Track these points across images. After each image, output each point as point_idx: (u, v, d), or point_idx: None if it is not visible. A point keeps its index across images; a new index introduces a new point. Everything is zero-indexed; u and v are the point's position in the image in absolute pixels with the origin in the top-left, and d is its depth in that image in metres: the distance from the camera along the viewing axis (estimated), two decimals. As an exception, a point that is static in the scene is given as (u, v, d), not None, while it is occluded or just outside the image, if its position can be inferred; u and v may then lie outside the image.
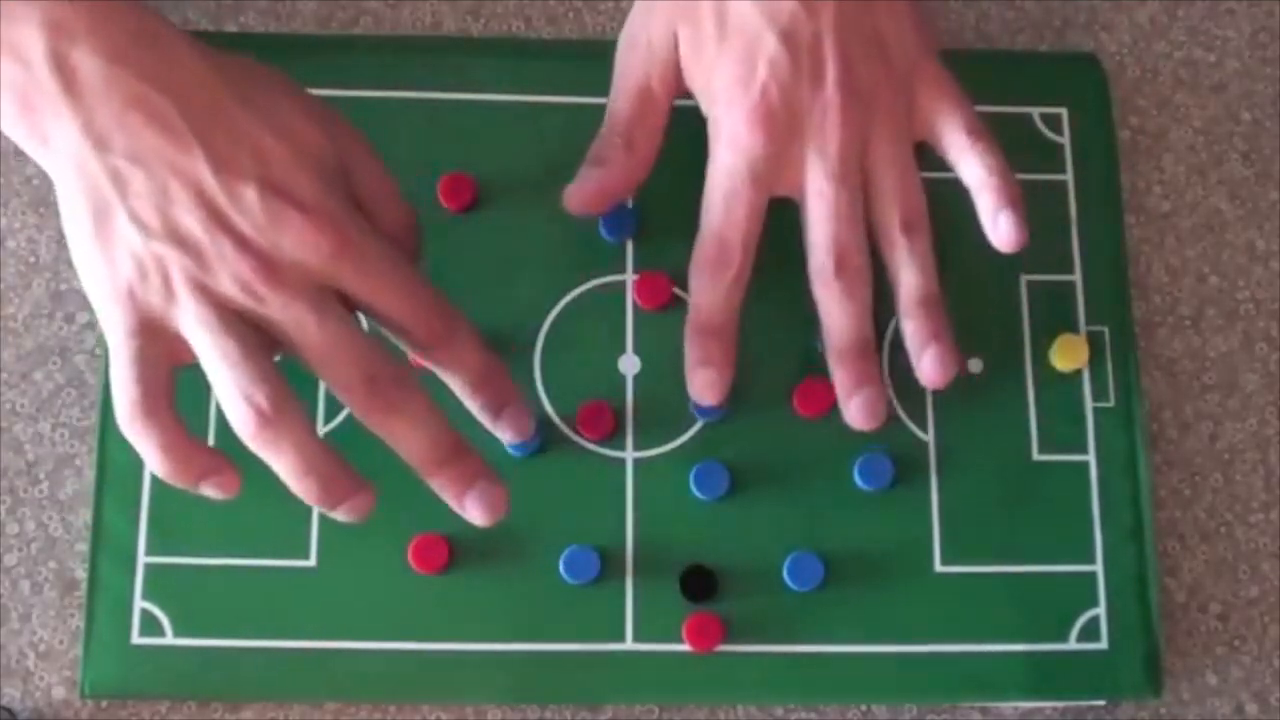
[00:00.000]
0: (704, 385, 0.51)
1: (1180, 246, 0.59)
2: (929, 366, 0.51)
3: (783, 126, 0.49)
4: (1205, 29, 0.62)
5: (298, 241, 0.43)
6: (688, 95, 0.53)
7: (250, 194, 0.43)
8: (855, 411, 0.51)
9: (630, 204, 0.56)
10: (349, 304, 0.46)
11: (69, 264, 0.56)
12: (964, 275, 0.57)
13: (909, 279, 0.51)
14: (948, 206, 0.57)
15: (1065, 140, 0.59)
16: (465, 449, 0.47)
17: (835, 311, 0.51)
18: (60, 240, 0.57)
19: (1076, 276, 0.57)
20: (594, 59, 0.58)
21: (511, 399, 0.49)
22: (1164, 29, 0.62)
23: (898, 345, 0.56)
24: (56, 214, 0.57)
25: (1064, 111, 0.59)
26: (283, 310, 0.44)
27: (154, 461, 0.44)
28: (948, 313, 0.52)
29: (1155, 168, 0.60)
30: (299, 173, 0.44)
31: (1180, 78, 0.61)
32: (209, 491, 0.45)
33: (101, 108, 0.42)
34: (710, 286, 0.50)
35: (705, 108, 0.52)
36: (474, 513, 0.47)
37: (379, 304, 0.45)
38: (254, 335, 0.44)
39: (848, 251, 0.50)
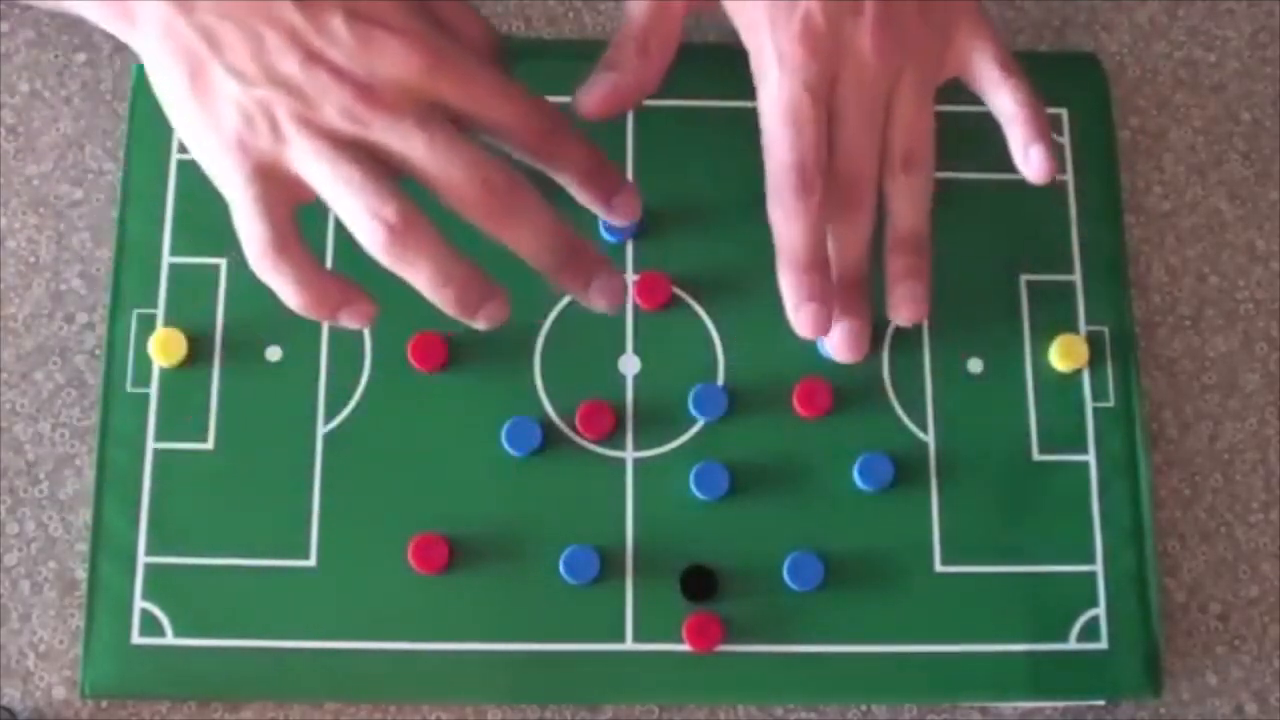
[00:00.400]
0: (813, 323, 0.49)
1: (1180, 246, 0.59)
2: (899, 301, 0.51)
3: (827, 50, 0.49)
4: (1205, 29, 0.62)
5: (392, 61, 0.44)
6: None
7: (338, 23, 0.44)
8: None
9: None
10: (453, 119, 0.46)
11: (69, 264, 0.56)
12: (964, 275, 0.57)
13: (900, 212, 0.51)
14: (947, 206, 0.57)
15: (1065, 140, 0.59)
16: (583, 245, 0.47)
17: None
18: (60, 240, 0.57)
19: (1076, 276, 0.57)
20: (594, 59, 0.58)
21: (619, 187, 0.49)
22: (1164, 29, 0.62)
23: (898, 345, 0.56)
24: (56, 214, 0.57)
25: (1064, 111, 0.59)
26: (389, 131, 0.44)
27: (291, 296, 0.45)
28: (930, 255, 0.51)
29: (1155, 168, 0.60)
30: (391, 4, 0.45)
31: (1180, 78, 0.61)
32: (346, 321, 0.46)
33: None
34: (798, 216, 0.49)
35: (744, 34, 0.51)
36: (599, 302, 0.48)
37: (481, 111, 0.46)
38: (370, 160, 0.44)
39: (845, 174, 0.50)
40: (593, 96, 0.51)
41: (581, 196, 0.49)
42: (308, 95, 0.44)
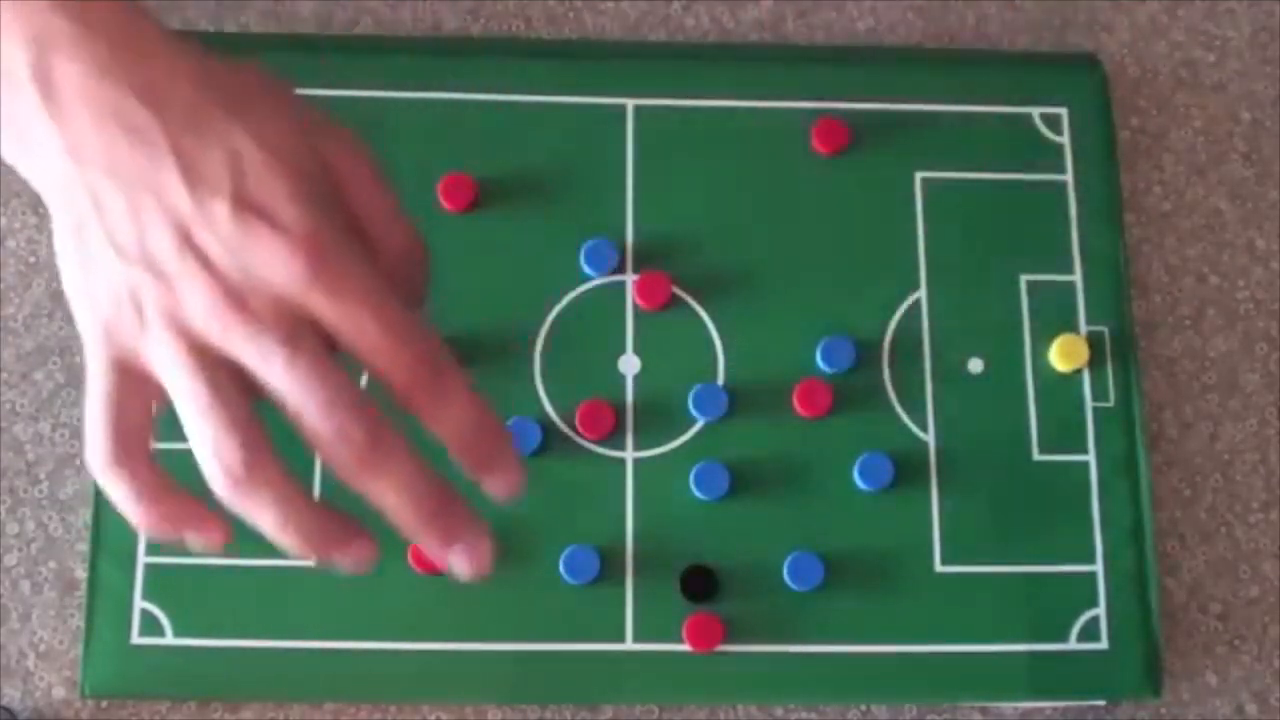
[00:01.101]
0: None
1: (1180, 246, 0.59)
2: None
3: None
4: (1205, 29, 0.62)
5: (267, 262, 0.39)
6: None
7: (222, 210, 0.39)
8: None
9: (610, 239, 0.56)
10: (329, 340, 0.40)
11: (69, 264, 0.56)
12: (964, 275, 0.57)
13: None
14: (948, 206, 0.58)
15: (1065, 140, 0.59)
16: (451, 502, 0.41)
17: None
18: (60, 240, 0.56)
19: (1076, 276, 0.57)
20: (594, 59, 0.59)
21: (500, 461, 0.42)
22: (1164, 29, 0.62)
23: (898, 345, 0.56)
24: (56, 214, 0.57)
25: (1064, 111, 0.59)
26: (249, 343, 0.39)
27: (128, 511, 0.41)
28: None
29: (1155, 168, 0.60)
30: (279, 186, 0.40)
31: (1180, 78, 0.61)
32: (193, 545, 0.42)
33: (80, 120, 0.40)
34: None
35: None
36: (459, 567, 0.41)
37: (355, 338, 0.40)
38: (228, 377, 0.40)
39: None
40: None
41: (453, 458, 0.41)
42: (175, 286, 0.39)
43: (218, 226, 0.39)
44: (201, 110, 0.41)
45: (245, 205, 0.39)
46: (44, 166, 0.41)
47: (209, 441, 0.39)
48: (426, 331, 0.41)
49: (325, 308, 0.40)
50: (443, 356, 0.41)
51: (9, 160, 0.42)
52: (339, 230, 0.41)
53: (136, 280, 0.40)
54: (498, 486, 0.42)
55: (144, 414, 0.41)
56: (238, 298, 0.39)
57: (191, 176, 0.40)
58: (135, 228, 0.40)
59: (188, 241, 0.39)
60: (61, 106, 0.40)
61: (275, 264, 0.39)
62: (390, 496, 0.40)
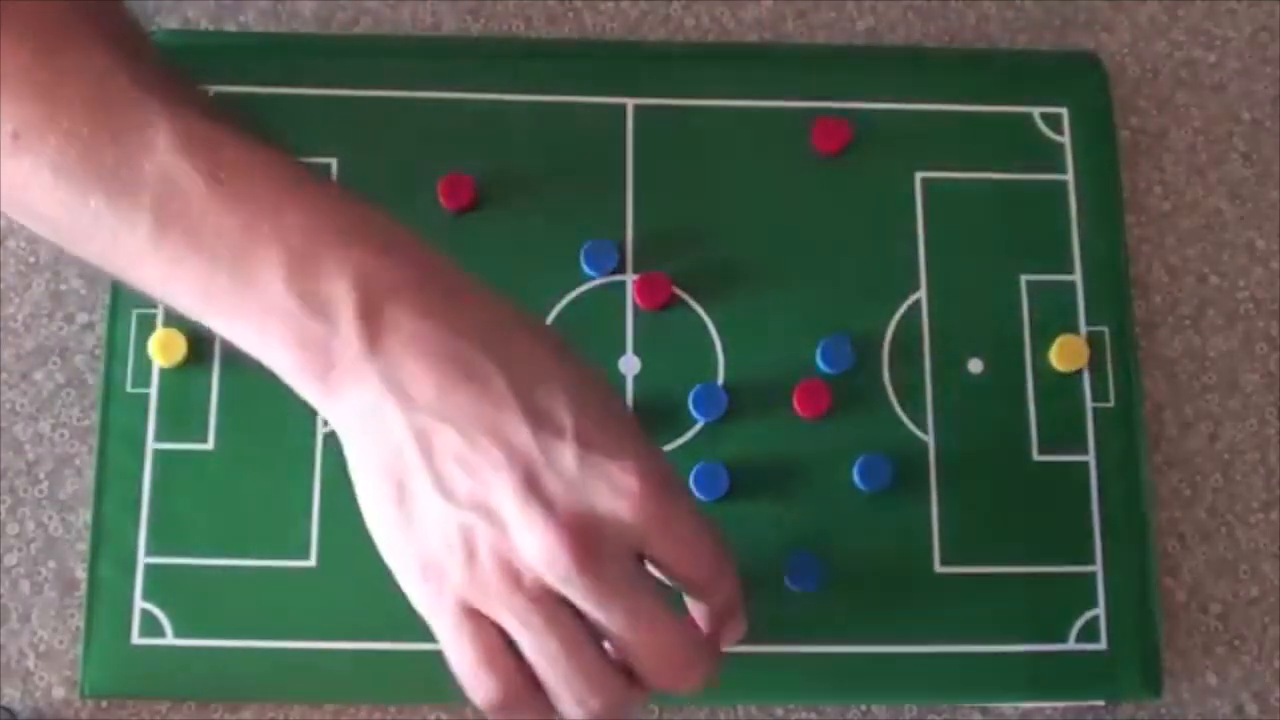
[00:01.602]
0: None
1: (1180, 246, 0.59)
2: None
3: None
4: (1205, 29, 0.62)
5: (612, 501, 0.39)
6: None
7: (567, 450, 0.39)
8: None
9: (610, 239, 0.56)
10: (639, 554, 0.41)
11: (69, 264, 0.56)
12: (964, 275, 0.57)
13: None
14: (948, 206, 0.58)
15: (1065, 140, 0.59)
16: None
17: None
18: (60, 240, 0.56)
19: (1076, 276, 0.57)
20: (594, 59, 0.59)
21: (729, 634, 0.46)
22: (1164, 29, 0.62)
23: (898, 345, 0.56)
24: (56, 214, 0.57)
25: (1064, 111, 0.59)
26: (590, 589, 0.39)
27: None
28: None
29: (1155, 168, 0.60)
30: (616, 426, 0.40)
31: (1180, 78, 0.61)
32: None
33: (410, 365, 0.39)
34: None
35: None
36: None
37: (687, 572, 0.42)
38: (568, 617, 0.40)
39: None
40: None
41: (695, 612, 0.46)
42: (512, 529, 0.39)
43: (563, 467, 0.39)
44: (537, 354, 0.41)
45: (589, 446, 0.39)
46: (356, 412, 0.40)
47: (571, 691, 0.40)
48: (731, 566, 0.43)
49: (664, 545, 0.41)
50: (727, 560, 0.43)
51: (311, 399, 0.41)
52: (669, 469, 0.41)
53: (468, 524, 0.39)
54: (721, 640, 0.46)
55: (500, 646, 0.41)
56: (579, 544, 0.39)
57: (535, 418, 0.39)
58: (471, 470, 0.39)
59: (530, 484, 0.39)
60: (389, 351, 0.39)
61: (621, 503, 0.39)
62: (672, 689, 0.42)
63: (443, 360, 0.39)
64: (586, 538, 0.39)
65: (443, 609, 0.40)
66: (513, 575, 0.39)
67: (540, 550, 0.39)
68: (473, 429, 0.39)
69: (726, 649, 0.46)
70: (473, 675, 0.41)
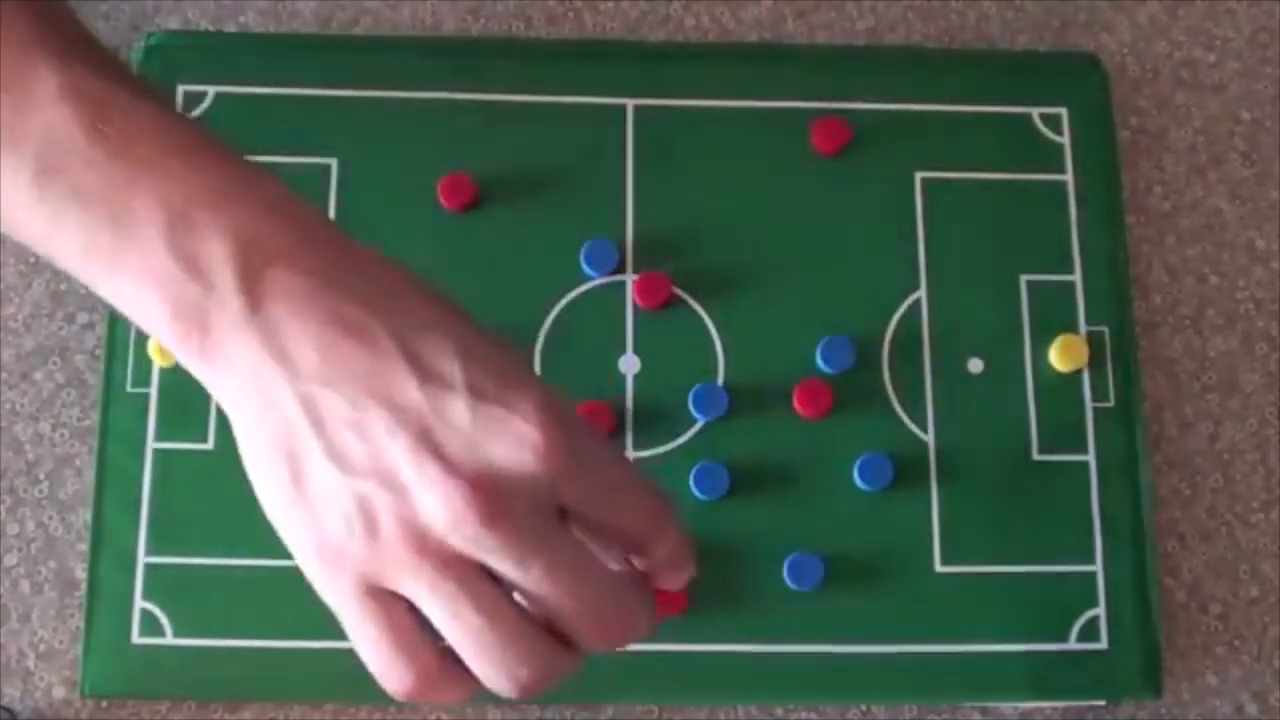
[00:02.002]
0: None
1: (1180, 246, 0.59)
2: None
3: None
4: (1205, 29, 0.62)
5: (512, 452, 0.37)
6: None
7: (458, 404, 0.37)
8: None
9: (610, 239, 0.56)
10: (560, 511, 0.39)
11: (69, 264, 0.56)
12: (964, 275, 0.57)
13: None
14: (948, 206, 0.58)
15: (1065, 140, 0.59)
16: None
17: None
18: (60, 240, 0.56)
19: (1076, 276, 0.57)
20: (594, 59, 0.59)
21: (680, 575, 0.43)
22: (1164, 29, 0.62)
23: (898, 345, 0.56)
24: (56, 214, 0.57)
25: (1064, 111, 0.59)
26: (501, 548, 0.37)
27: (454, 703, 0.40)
28: None
29: (1155, 168, 0.60)
30: (511, 375, 0.38)
31: (1180, 78, 0.61)
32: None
33: (292, 328, 0.37)
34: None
35: None
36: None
37: (602, 517, 0.39)
38: (485, 584, 0.37)
39: None
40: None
41: (639, 563, 0.42)
42: (413, 494, 0.37)
43: (457, 420, 0.37)
44: (421, 310, 0.38)
45: (482, 396, 0.37)
46: (238, 381, 0.38)
47: (495, 663, 0.38)
48: (658, 493, 0.40)
49: (581, 495, 0.38)
50: (667, 512, 0.40)
51: (191, 368, 0.39)
52: (573, 414, 0.39)
53: (365, 492, 0.37)
54: (664, 584, 0.43)
55: (411, 625, 0.38)
56: (484, 500, 0.36)
57: (422, 372, 0.37)
58: (362, 435, 0.37)
59: (425, 442, 0.37)
60: (270, 315, 0.37)
61: (523, 454, 0.37)
62: (618, 643, 0.40)
63: (325, 321, 0.37)
64: (492, 492, 0.36)
65: (345, 590, 0.38)
66: (418, 542, 0.37)
67: (443, 510, 0.36)
68: (359, 390, 0.37)
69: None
70: (383, 660, 0.38)
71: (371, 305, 0.38)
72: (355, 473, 0.37)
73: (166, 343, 0.38)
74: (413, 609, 0.38)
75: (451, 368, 0.37)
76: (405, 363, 0.37)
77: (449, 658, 0.38)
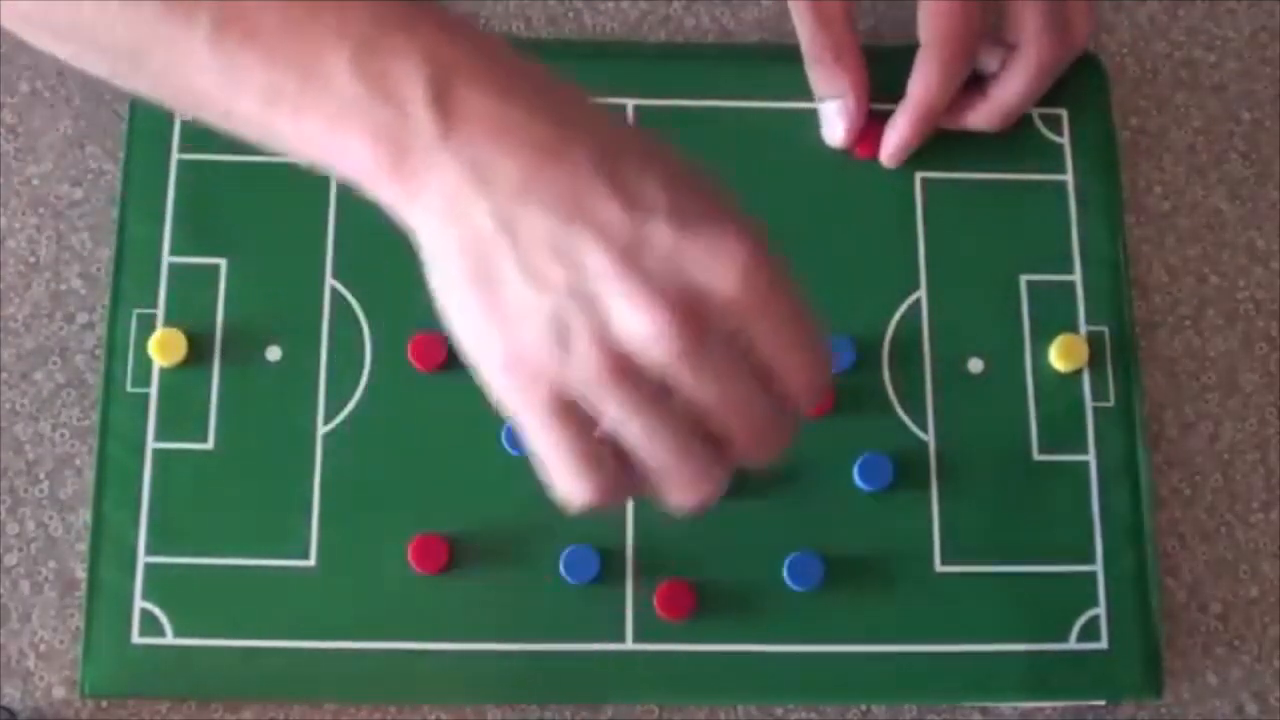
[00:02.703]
0: None
1: (1180, 246, 0.59)
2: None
3: None
4: (1205, 29, 0.62)
5: (714, 274, 0.37)
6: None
7: (661, 226, 0.37)
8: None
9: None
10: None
11: (69, 264, 0.56)
12: (964, 275, 0.57)
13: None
14: (948, 206, 0.58)
15: (1065, 140, 0.59)
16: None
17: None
18: (60, 240, 0.57)
19: (1076, 276, 0.57)
20: (594, 59, 0.59)
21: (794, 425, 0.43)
22: (1164, 29, 0.62)
23: (898, 345, 0.56)
24: (56, 214, 0.57)
25: (1064, 111, 0.59)
26: (692, 362, 0.37)
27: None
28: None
29: (1155, 168, 0.60)
30: (711, 202, 0.38)
31: (1180, 78, 0.61)
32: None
33: (488, 147, 0.37)
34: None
35: None
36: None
37: (783, 356, 0.39)
38: (665, 401, 0.38)
39: None
40: (837, 135, 0.56)
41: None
42: (610, 310, 0.37)
43: (660, 243, 0.37)
44: (617, 132, 0.39)
45: (684, 222, 0.37)
46: (434, 202, 0.38)
47: (679, 477, 0.39)
48: (828, 351, 0.41)
49: (767, 322, 0.38)
50: (829, 374, 0.42)
51: (380, 194, 0.39)
52: (773, 248, 0.39)
53: (563, 309, 0.37)
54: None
55: (596, 436, 0.39)
56: (682, 320, 0.37)
57: (626, 196, 0.37)
58: (562, 254, 0.37)
59: (626, 262, 0.37)
60: (464, 133, 0.37)
61: (725, 277, 0.37)
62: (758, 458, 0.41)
63: (522, 141, 0.37)
64: (692, 314, 0.37)
65: (534, 402, 0.38)
66: (613, 359, 0.37)
67: (642, 328, 0.37)
68: (561, 211, 0.37)
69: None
70: (568, 469, 0.39)
71: (568, 127, 0.38)
72: (553, 290, 0.37)
73: (363, 178, 0.38)
74: (593, 421, 0.39)
75: (654, 191, 0.38)
76: (607, 184, 0.37)
77: (627, 469, 0.40)
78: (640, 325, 0.37)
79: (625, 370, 0.37)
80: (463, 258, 0.38)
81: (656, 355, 0.37)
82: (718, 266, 0.37)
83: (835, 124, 0.57)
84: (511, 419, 0.39)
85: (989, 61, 0.56)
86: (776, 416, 0.40)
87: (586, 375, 0.38)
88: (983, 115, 0.57)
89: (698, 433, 0.39)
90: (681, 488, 0.40)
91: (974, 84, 0.56)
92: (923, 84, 0.55)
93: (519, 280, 0.37)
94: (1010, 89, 0.56)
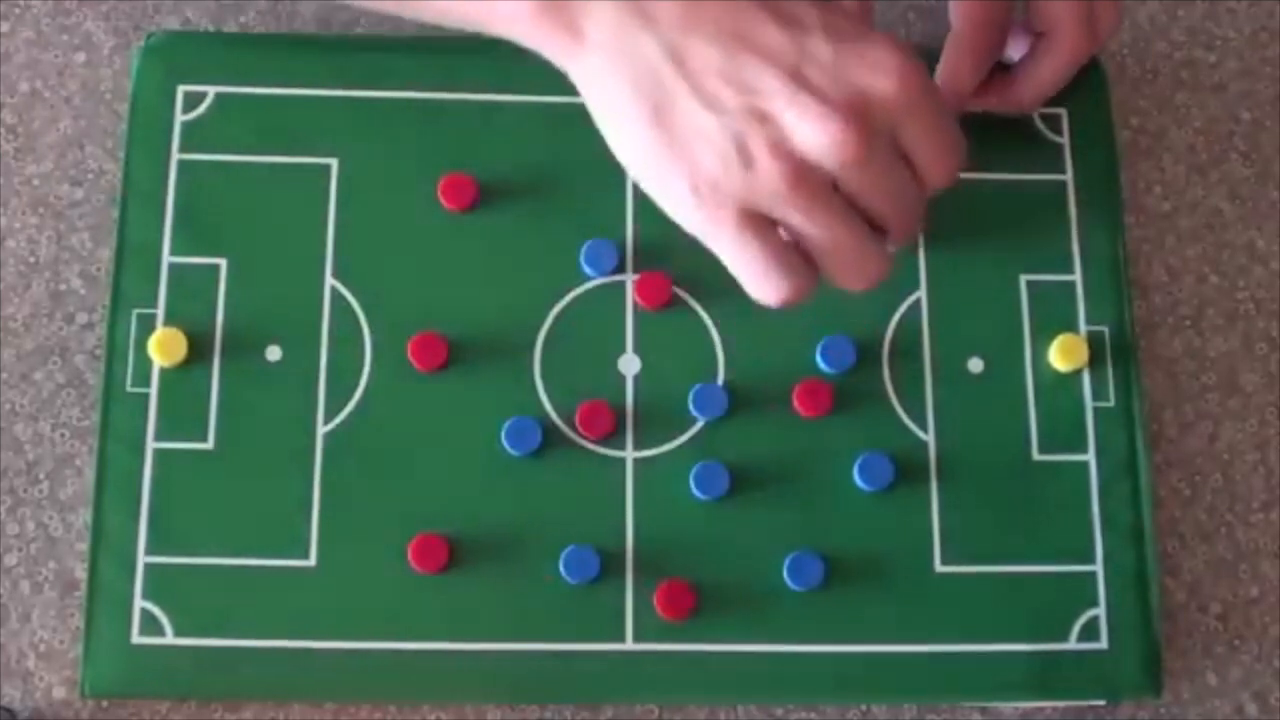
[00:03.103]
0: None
1: (1180, 246, 0.59)
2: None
3: None
4: (1205, 29, 0.62)
5: (874, 78, 0.41)
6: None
7: (820, 42, 0.41)
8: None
9: (610, 239, 0.56)
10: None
11: (69, 264, 0.56)
12: (964, 275, 0.57)
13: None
14: (948, 206, 0.58)
15: (1065, 140, 0.59)
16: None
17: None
18: (60, 240, 0.57)
19: (1076, 276, 0.57)
20: (594, 59, 0.59)
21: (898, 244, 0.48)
22: (1164, 29, 0.62)
23: (898, 345, 0.56)
24: (56, 214, 0.57)
25: (1064, 111, 0.59)
26: (862, 171, 0.41)
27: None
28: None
29: (1155, 168, 0.60)
30: (856, 21, 0.43)
31: (1180, 78, 0.61)
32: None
33: None
34: None
35: None
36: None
37: (930, 153, 0.44)
38: (841, 202, 0.42)
39: None
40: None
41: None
42: (785, 124, 0.41)
43: (821, 57, 0.41)
44: None
45: (840, 35, 0.41)
46: (599, 42, 0.41)
47: (857, 270, 0.43)
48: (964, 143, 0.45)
49: (920, 123, 0.42)
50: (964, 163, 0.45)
51: (540, 47, 0.43)
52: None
53: (739, 129, 0.41)
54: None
55: (785, 243, 0.43)
56: (857, 123, 0.40)
57: (782, 19, 0.41)
58: (731, 77, 0.40)
59: (795, 78, 0.40)
60: None
61: (884, 80, 0.41)
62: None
63: None
64: (863, 119, 0.40)
65: (723, 220, 0.42)
66: (794, 169, 0.40)
67: (822, 138, 0.40)
68: (724, 37, 0.40)
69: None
70: (764, 276, 0.43)
71: None
72: (727, 112, 0.40)
73: (521, 28, 0.42)
74: (775, 227, 0.43)
75: (807, 12, 0.41)
76: (764, 10, 0.41)
77: (814, 267, 0.44)
78: (819, 135, 0.40)
79: (804, 177, 0.41)
80: (636, 94, 0.41)
81: (833, 160, 0.41)
82: (877, 72, 0.41)
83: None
84: (704, 241, 0.43)
85: (1011, 50, 0.56)
86: (921, 203, 0.45)
87: (771, 187, 0.41)
88: (1003, 99, 0.57)
89: (864, 223, 0.43)
90: (857, 273, 0.44)
91: (995, 68, 0.56)
92: (950, 71, 0.55)
93: (695, 108, 0.40)
94: (1036, 77, 0.56)
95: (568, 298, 0.56)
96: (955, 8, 0.55)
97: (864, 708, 0.54)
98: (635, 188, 0.57)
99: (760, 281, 0.43)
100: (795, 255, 0.43)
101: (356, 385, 0.54)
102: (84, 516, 0.54)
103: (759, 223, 0.42)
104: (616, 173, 0.57)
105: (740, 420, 0.55)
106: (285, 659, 0.52)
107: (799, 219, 0.42)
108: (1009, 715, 0.54)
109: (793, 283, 0.43)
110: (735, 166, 0.41)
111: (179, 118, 0.56)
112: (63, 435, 0.55)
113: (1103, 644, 0.53)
